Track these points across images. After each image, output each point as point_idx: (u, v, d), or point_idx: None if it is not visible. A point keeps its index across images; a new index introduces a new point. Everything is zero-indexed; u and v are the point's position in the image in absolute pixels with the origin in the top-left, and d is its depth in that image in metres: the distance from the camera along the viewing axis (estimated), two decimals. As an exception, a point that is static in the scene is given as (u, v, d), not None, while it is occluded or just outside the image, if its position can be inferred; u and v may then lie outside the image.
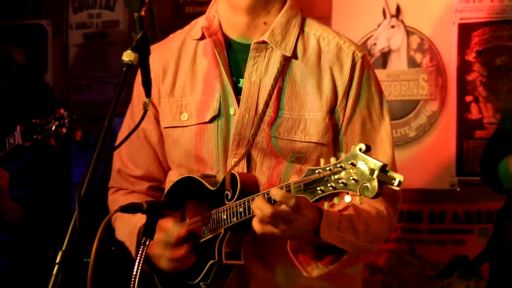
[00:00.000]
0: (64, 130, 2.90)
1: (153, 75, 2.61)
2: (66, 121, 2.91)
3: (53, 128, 2.95)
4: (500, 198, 3.53)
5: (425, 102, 4.00)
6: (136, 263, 2.55)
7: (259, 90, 2.82)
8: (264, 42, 2.76)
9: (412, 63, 4.02)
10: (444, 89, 3.96)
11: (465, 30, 3.94)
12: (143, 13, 2.33)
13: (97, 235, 2.38)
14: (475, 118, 3.91)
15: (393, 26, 4.05)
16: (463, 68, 3.94)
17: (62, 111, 2.92)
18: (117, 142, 2.72)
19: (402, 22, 4.07)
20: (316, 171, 2.34)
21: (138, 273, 2.57)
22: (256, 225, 2.45)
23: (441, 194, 3.96)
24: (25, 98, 3.56)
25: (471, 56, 3.92)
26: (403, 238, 3.97)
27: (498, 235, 3.29)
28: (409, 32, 4.06)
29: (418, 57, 4.03)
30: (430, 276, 4.00)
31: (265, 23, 2.81)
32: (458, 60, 3.94)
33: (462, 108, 3.94)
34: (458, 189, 3.93)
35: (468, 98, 3.94)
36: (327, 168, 2.30)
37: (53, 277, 2.15)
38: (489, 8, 3.89)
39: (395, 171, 2.29)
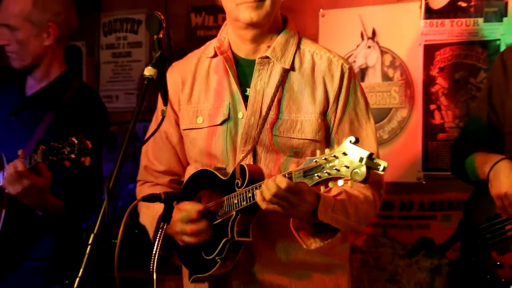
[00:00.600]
0: (73, 156, 2.96)
1: (174, 86, 2.93)
2: (76, 148, 2.95)
3: (66, 152, 2.98)
4: (459, 189, 3.67)
5: (396, 110, 4.05)
6: (156, 244, 2.60)
7: (263, 97, 2.86)
8: (267, 57, 2.83)
9: (385, 77, 4.07)
10: (412, 99, 4.02)
11: (429, 50, 3.99)
12: (161, 35, 2.40)
13: (123, 220, 2.50)
14: (438, 123, 3.97)
15: (369, 47, 4.10)
16: (428, 81, 4.00)
17: (73, 139, 2.97)
18: (143, 142, 2.75)
19: (377, 43, 4.11)
20: (314, 160, 2.43)
21: (157, 253, 2.62)
22: (262, 203, 2.52)
23: (409, 186, 4.01)
24: (82, 115, 3.55)
25: (434, 72, 3.98)
26: (378, 223, 4.04)
27: (467, 220, 3.30)
28: (382, 52, 4.10)
29: (390, 72, 4.07)
30: (400, 255, 4.05)
31: (268, 47, 2.87)
32: (423, 75, 3.99)
33: (427, 114, 4.00)
34: (424, 182, 3.99)
35: (432, 107, 4.00)
36: (323, 158, 2.39)
37: (86, 256, 2.23)
38: (449, 32, 3.95)
39: (379, 157, 2.44)
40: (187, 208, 2.77)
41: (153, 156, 3.09)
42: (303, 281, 2.90)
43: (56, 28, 3.56)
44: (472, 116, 3.49)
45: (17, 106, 3.68)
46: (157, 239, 2.63)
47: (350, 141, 2.30)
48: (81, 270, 2.24)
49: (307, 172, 2.46)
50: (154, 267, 2.72)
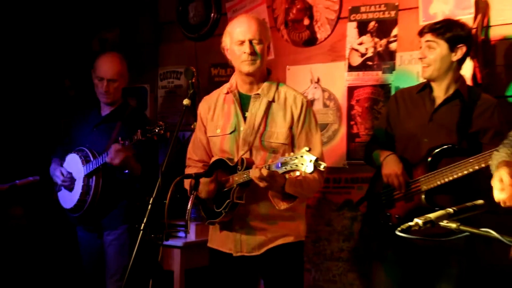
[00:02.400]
0: (162, 131, 3.23)
1: (204, 110, 3.11)
2: (162, 128, 3.23)
3: (156, 131, 3.27)
4: (367, 171, 3.64)
5: (331, 125, 4.13)
6: (189, 204, 2.92)
7: (255, 118, 2.98)
8: (258, 94, 2.97)
9: (325, 105, 4.13)
10: (340, 118, 4.08)
11: (351, 90, 4.04)
12: (193, 80, 2.78)
13: (170, 188, 2.75)
14: (355, 132, 4.04)
15: (315, 87, 4.17)
16: (350, 108, 4.06)
17: (161, 123, 3.26)
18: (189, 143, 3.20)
19: (320, 85, 4.17)
20: (283, 159, 2.60)
21: (189, 211, 2.95)
22: (257, 180, 2.72)
23: (339, 169, 4.07)
24: (134, 122, 3.71)
25: (353, 102, 4.05)
26: (321, 191, 4.08)
27: (371, 188, 3.41)
28: (323, 90, 4.15)
29: (327, 102, 4.14)
30: (333, 209, 4.14)
31: (259, 88, 2.97)
32: (347, 104, 4.05)
33: (349, 127, 4.06)
34: (347, 167, 4.07)
35: (352, 123, 4.06)
36: (289, 158, 2.57)
37: (148, 210, 2.63)
38: (362, 79, 4.00)
39: (323, 160, 2.68)
40: (206, 180, 2.93)
41: (193, 151, 3.20)
42: (277, 225, 3.00)
43: (126, 80, 3.84)
44: (376, 128, 3.59)
45: (97, 122, 3.84)
46: (190, 199, 2.94)
47: (306, 150, 2.51)
48: (145, 218, 2.61)
49: (280, 165, 2.62)
50: (188, 216, 3.09)
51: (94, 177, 3.66)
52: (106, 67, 3.76)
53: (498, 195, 1.91)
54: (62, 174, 3.72)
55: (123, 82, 3.86)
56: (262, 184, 2.74)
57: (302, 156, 2.54)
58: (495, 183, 1.93)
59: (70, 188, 3.75)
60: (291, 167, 2.59)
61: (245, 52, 2.88)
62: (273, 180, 2.74)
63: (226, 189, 2.95)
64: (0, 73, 5.34)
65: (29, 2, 4.91)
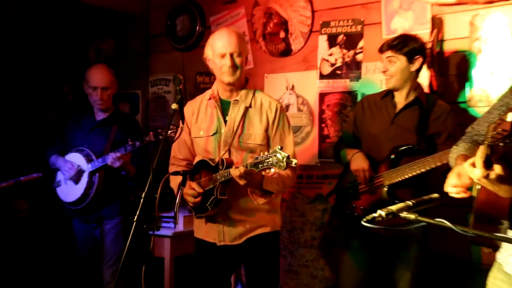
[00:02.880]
0: (173, 134, 3.16)
1: (188, 114, 3.07)
2: (173, 131, 3.17)
3: (169, 133, 3.18)
4: (336, 168, 3.62)
5: (305, 127, 4.12)
6: (178, 199, 2.96)
7: (234, 121, 2.97)
8: (237, 100, 2.95)
9: (299, 110, 4.13)
10: (313, 121, 4.07)
11: (322, 96, 4.04)
12: (181, 87, 2.72)
13: (160, 184, 2.75)
14: (326, 134, 4.03)
15: (290, 94, 4.17)
16: (321, 112, 4.06)
17: (172, 127, 3.20)
18: (174, 143, 3.07)
19: (295, 92, 4.17)
20: (259, 158, 2.62)
21: (178, 204, 2.99)
22: (237, 179, 2.72)
23: (312, 166, 4.05)
24: (127, 127, 3.77)
25: (324, 107, 4.06)
26: (295, 186, 4.07)
27: (339, 183, 3.41)
28: (297, 96, 4.15)
29: (301, 107, 4.13)
30: (306, 202, 4.13)
31: (237, 94, 2.96)
32: (319, 109, 4.05)
33: (320, 130, 4.06)
34: (319, 164, 4.05)
35: (323, 125, 4.06)
36: (264, 156, 2.60)
37: (140, 204, 2.56)
38: (332, 86, 4.00)
39: (294, 157, 2.65)
40: (195, 187, 2.92)
41: (178, 151, 3.16)
42: (255, 217, 3.01)
43: (116, 88, 3.85)
44: (344, 131, 3.57)
45: (92, 127, 3.84)
46: (178, 195, 2.98)
47: (278, 148, 2.52)
48: (138, 211, 2.55)
49: (256, 164, 2.63)
50: (177, 210, 3.09)
51: (97, 174, 3.68)
52: (98, 77, 3.76)
53: (451, 190, 1.92)
54: (73, 167, 3.70)
55: (114, 89, 3.87)
56: (242, 182, 2.75)
57: (275, 155, 2.56)
58: (451, 177, 1.93)
59: (76, 181, 3.73)
60: (266, 165, 2.61)
61: (226, 65, 2.89)
62: (251, 177, 2.74)
63: (209, 187, 2.93)
64: (7, 79, 5.34)
65: (33, 16, 4.90)
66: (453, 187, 1.89)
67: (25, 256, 4.27)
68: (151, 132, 3.47)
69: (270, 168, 2.63)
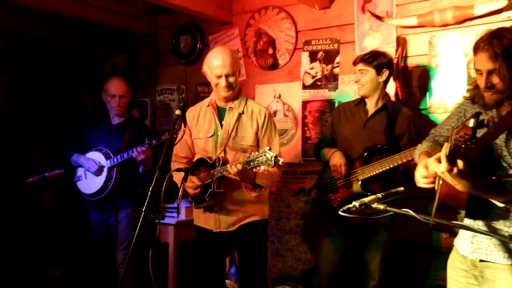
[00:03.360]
0: (173, 137, 3.12)
1: (190, 118, 3.06)
2: (170, 136, 2.98)
3: (164, 137, 3.23)
4: (317, 165, 3.55)
5: (290, 130, 4.09)
6: (180, 192, 2.94)
7: (229, 125, 2.96)
8: (231, 107, 2.94)
9: (285, 115, 4.10)
10: (297, 125, 4.05)
11: (304, 103, 4.01)
12: (183, 95, 2.69)
13: (165, 179, 2.78)
14: (308, 136, 4.01)
15: (277, 101, 4.15)
16: (303, 117, 4.03)
17: (167, 134, 3.21)
18: (175, 144, 3.07)
19: (281, 100, 4.15)
20: (251, 157, 2.62)
21: (180, 196, 2.96)
22: (232, 176, 2.75)
23: (296, 164, 4.02)
24: (139, 130, 3.76)
25: (306, 113, 4.02)
26: (281, 181, 4.05)
27: (319, 178, 3.37)
28: (284, 104, 4.13)
29: (287, 113, 4.10)
30: (291, 195, 4.10)
31: (232, 103, 2.96)
32: (302, 114, 4.02)
33: (304, 132, 4.03)
34: (302, 162, 4.02)
35: (306, 129, 4.03)
36: (255, 156, 2.61)
37: (148, 196, 2.55)
38: (313, 95, 3.96)
39: (280, 157, 2.64)
40: (195, 180, 2.93)
41: (180, 150, 3.15)
42: (246, 207, 3.00)
43: (130, 96, 3.85)
44: (323, 133, 3.52)
45: (109, 130, 3.84)
46: (180, 189, 2.97)
47: (267, 149, 2.53)
48: (146, 203, 2.53)
49: (248, 162, 2.63)
50: (179, 201, 3.09)
51: (115, 169, 3.69)
52: (117, 86, 3.78)
53: (420, 180, 1.91)
54: (95, 163, 3.69)
55: (128, 98, 3.88)
56: (238, 178, 2.76)
57: (265, 154, 2.57)
58: (420, 170, 1.91)
59: (98, 175, 3.72)
60: (257, 163, 2.61)
61: (222, 84, 2.93)
62: (246, 173, 2.77)
63: (207, 181, 2.94)
64: (35, 88, 5.40)
65: (57, 35, 4.88)
66: (423, 177, 1.88)
67: (48, 241, 4.29)
68: (166, 133, 3.47)
69: (260, 166, 2.63)
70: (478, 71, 1.87)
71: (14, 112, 5.47)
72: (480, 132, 1.85)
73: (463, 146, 1.63)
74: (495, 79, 1.81)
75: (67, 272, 4.16)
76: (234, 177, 2.74)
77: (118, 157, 3.66)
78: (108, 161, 3.70)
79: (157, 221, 3.58)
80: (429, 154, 1.93)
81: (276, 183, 4.06)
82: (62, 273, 4.14)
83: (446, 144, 1.68)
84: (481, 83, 1.85)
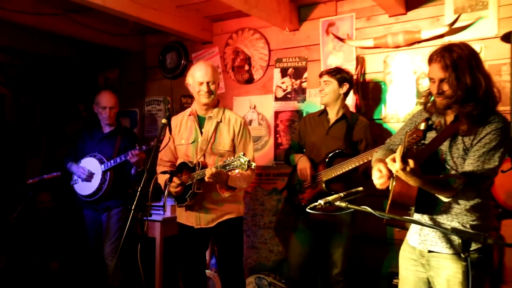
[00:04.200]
0: (159, 144, 2.97)
1: (173, 126, 2.98)
2: (157, 143, 2.92)
3: (153, 143, 3.03)
4: (287, 168, 3.53)
5: (263, 137, 4.07)
6: (166, 192, 2.92)
7: (208, 132, 2.93)
8: (210, 116, 2.90)
9: (259, 124, 4.09)
10: (270, 133, 4.04)
11: (276, 113, 3.99)
12: (169, 106, 2.66)
13: (152, 181, 2.78)
14: (280, 142, 3.99)
15: (253, 112, 4.13)
16: (276, 126, 4.01)
17: (151, 143, 3.16)
18: (160, 149, 2.99)
19: (256, 110, 4.13)
20: (227, 161, 2.61)
21: (166, 196, 2.95)
22: (208, 177, 2.70)
23: (269, 167, 4.00)
24: (128, 137, 3.69)
25: (278, 122, 4.01)
26: (255, 182, 4.03)
27: (289, 180, 3.35)
28: (258, 114, 4.11)
29: (261, 122, 4.09)
30: (265, 194, 4.07)
31: (211, 112, 2.94)
32: (274, 123, 4.01)
33: (276, 139, 4.02)
34: (274, 165, 4.00)
35: (277, 136, 4.02)
36: (230, 160, 2.55)
37: (137, 196, 2.51)
38: (284, 106, 3.95)
39: (254, 161, 2.71)
40: (177, 182, 2.90)
41: (164, 155, 3.09)
42: (223, 206, 2.96)
43: (118, 107, 3.77)
44: (292, 140, 3.52)
45: (101, 138, 3.76)
46: (166, 190, 2.94)
47: (241, 154, 2.52)
48: (135, 201, 2.50)
49: (224, 166, 2.62)
50: (165, 201, 3.07)
51: (108, 173, 3.62)
52: (107, 99, 3.71)
53: (377, 181, 1.92)
54: (85, 171, 3.64)
55: (117, 108, 3.82)
56: (211, 180, 2.74)
57: (239, 159, 2.56)
58: (375, 173, 1.93)
59: (89, 180, 3.65)
60: (232, 166, 2.60)
61: (203, 90, 2.90)
62: (219, 177, 2.75)
63: (188, 183, 2.92)
64: (36, 100, 5.35)
65: (56, 52, 4.81)
66: (379, 179, 1.90)
67: (46, 236, 4.20)
68: (155, 139, 3.37)
69: (235, 169, 2.62)
70: (431, 79, 1.91)
71: (16, 120, 5.46)
72: (429, 137, 1.92)
73: (414, 147, 1.67)
74: (445, 87, 1.86)
75: (63, 264, 4.10)
76: (208, 180, 2.70)
77: (112, 161, 3.60)
78: (102, 166, 3.64)
79: (145, 218, 3.49)
80: (382, 161, 1.96)
81: (251, 184, 4.06)
82: (59, 265, 4.07)
83: (400, 146, 1.70)
84: (434, 89, 1.90)
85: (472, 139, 1.84)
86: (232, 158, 2.61)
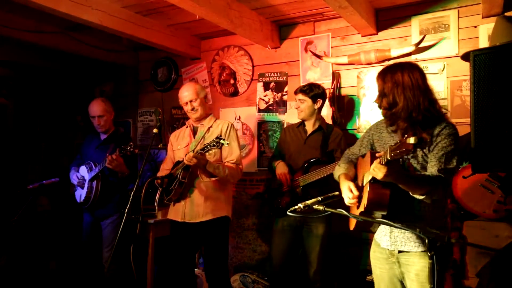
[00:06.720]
0: (131, 149, 3.05)
1: (173, 138, 3.11)
2: (132, 147, 3.03)
3: (128, 148, 3.08)
4: (268, 174, 3.45)
5: (248, 145, 4.06)
6: (157, 195, 2.95)
7: (200, 135, 2.99)
8: (202, 124, 2.93)
9: (244, 133, 4.07)
10: (253, 142, 4.03)
11: (260, 124, 3.99)
12: (160, 117, 2.76)
13: (144, 185, 2.77)
14: (262, 150, 3.99)
15: (238, 122, 4.11)
16: (259, 135, 4.00)
17: (131, 143, 3.08)
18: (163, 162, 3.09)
19: (241, 121, 4.12)
20: (204, 145, 2.76)
21: (157, 200, 2.96)
22: (186, 159, 2.73)
23: (253, 173, 3.99)
24: (124, 141, 3.50)
25: (261, 132, 3.98)
26: (240, 186, 4.00)
27: (269, 184, 3.35)
28: (243, 124, 4.10)
29: (245, 131, 4.07)
30: (249, 198, 4.05)
31: (203, 122, 2.98)
32: (257, 133, 4.00)
33: (259, 148, 4.01)
34: (258, 171, 3.98)
35: (261, 144, 4.00)
36: (207, 143, 2.67)
37: (130, 200, 2.55)
38: (267, 117, 3.96)
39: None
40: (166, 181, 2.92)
41: (165, 164, 3.16)
42: (209, 203, 2.94)
43: (112, 115, 3.68)
44: (276, 149, 3.46)
45: (97, 145, 3.64)
46: (157, 193, 2.95)
47: (218, 136, 2.61)
48: (128, 205, 2.51)
49: (203, 149, 2.68)
50: (156, 204, 3.04)
51: (95, 181, 3.49)
52: (94, 109, 3.60)
53: (349, 201, 1.92)
54: (78, 177, 3.57)
55: (110, 115, 3.64)
56: (191, 163, 2.75)
57: (213, 140, 2.65)
58: (346, 192, 1.92)
59: (82, 187, 3.56)
60: (208, 148, 2.67)
61: (188, 109, 3.01)
62: (199, 161, 2.76)
63: (176, 173, 2.95)
64: (37, 110, 5.31)
65: (55, 67, 4.82)
66: (351, 199, 1.91)
67: (45, 238, 4.17)
68: (117, 148, 3.27)
69: (212, 149, 2.69)
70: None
71: (18, 129, 5.39)
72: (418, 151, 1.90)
73: (401, 159, 1.66)
74: (384, 102, 1.91)
75: (61, 264, 4.01)
76: (187, 162, 2.71)
77: (95, 169, 3.47)
78: (89, 174, 3.52)
79: (138, 220, 3.47)
80: (347, 176, 1.99)
81: (238, 189, 4.03)
82: (57, 264, 3.98)
83: (382, 156, 1.67)
84: (378, 102, 1.97)
85: (429, 145, 1.84)
86: (208, 142, 2.66)
